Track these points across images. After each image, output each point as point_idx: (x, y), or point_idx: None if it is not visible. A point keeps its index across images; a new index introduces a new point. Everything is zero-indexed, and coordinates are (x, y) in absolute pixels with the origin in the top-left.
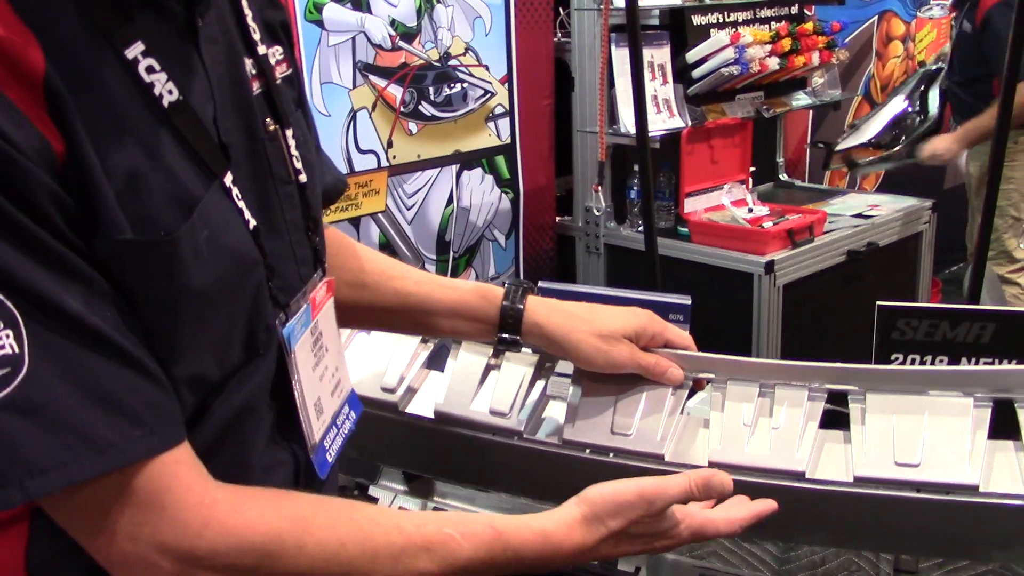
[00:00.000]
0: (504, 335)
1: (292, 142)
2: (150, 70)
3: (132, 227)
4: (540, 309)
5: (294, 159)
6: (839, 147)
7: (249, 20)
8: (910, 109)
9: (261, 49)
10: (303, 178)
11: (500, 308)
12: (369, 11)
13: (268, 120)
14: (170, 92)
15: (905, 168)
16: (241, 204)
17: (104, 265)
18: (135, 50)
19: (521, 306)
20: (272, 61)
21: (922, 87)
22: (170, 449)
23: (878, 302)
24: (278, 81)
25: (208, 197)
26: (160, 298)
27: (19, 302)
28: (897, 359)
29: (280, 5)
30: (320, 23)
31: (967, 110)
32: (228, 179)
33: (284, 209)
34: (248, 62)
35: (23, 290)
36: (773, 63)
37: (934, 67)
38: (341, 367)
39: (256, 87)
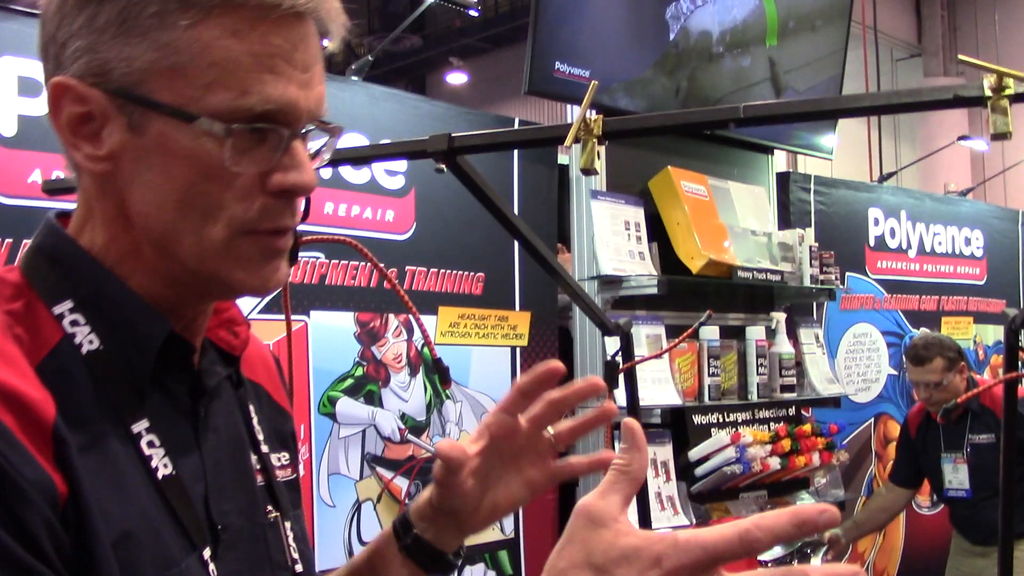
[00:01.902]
0: (405, 540)
1: (291, 534)
2: (150, 445)
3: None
4: (422, 496)
5: (292, 549)
6: None
7: (255, 423)
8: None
9: (264, 448)
10: (299, 568)
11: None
12: (381, 405)
13: (269, 508)
14: (165, 466)
15: None
16: None
17: None
18: (140, 426)
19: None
20: (276, 463)
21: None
22: None
23: None
24: (279, 479)
25: (188, 563)
26: None
27: None
28: None
29: (289, 417)
30: (332, 416)
31: (993, 522)
32: (206, 554)
33: None
34: (253, 457)
35: None
36: (774, 463)
37: (804, 540)
38: None
39: (260, 480)
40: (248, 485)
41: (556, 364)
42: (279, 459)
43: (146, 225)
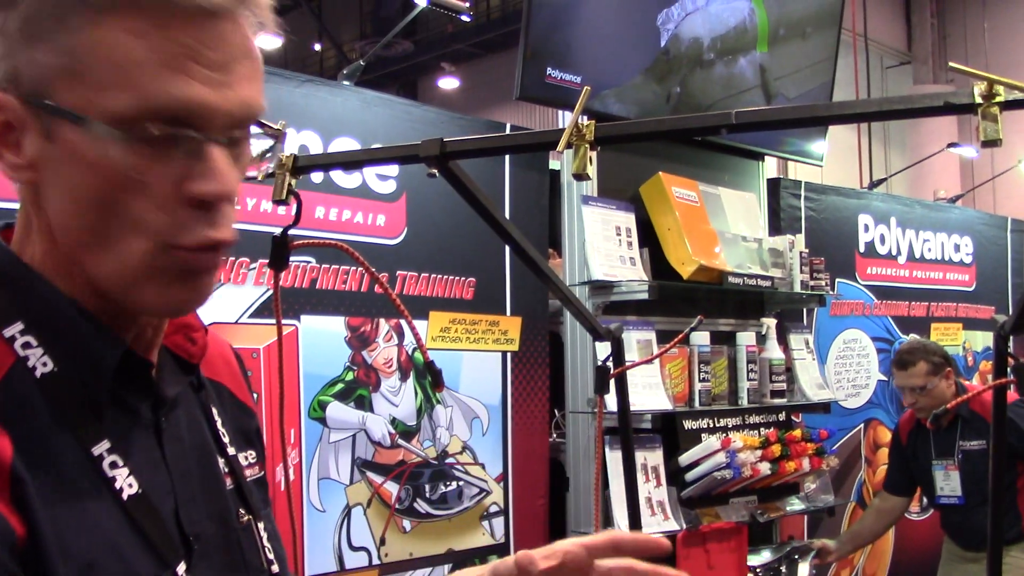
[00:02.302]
0: None
1: (264, 534)
2: (113, 465)
3: None
4: None
5: (266, 550)
6: None
7: (219, 425)
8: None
9: (231, 450)
10: (275, 568)
11: None
12: (371, 410)
13: (241, 511)
14: (130, 486)
15: None
16: None
17: None
18: (101, 447)
19: None
20: (244, 462)
21: (783, 567)
22: None
23: None
24: (248, 479)
25: None
26: None
27: None
28: None
29: (253, 414)
30: (323, 420)
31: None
32: (181, 568)
33: None
34: (221, 461)
35: None
36: (765, 468)
37: (793, 546)
38: None
39: (229, 483)
40: (218, 491)
41: (664, 544)
42: (246, 458)
43: (65, 237)
